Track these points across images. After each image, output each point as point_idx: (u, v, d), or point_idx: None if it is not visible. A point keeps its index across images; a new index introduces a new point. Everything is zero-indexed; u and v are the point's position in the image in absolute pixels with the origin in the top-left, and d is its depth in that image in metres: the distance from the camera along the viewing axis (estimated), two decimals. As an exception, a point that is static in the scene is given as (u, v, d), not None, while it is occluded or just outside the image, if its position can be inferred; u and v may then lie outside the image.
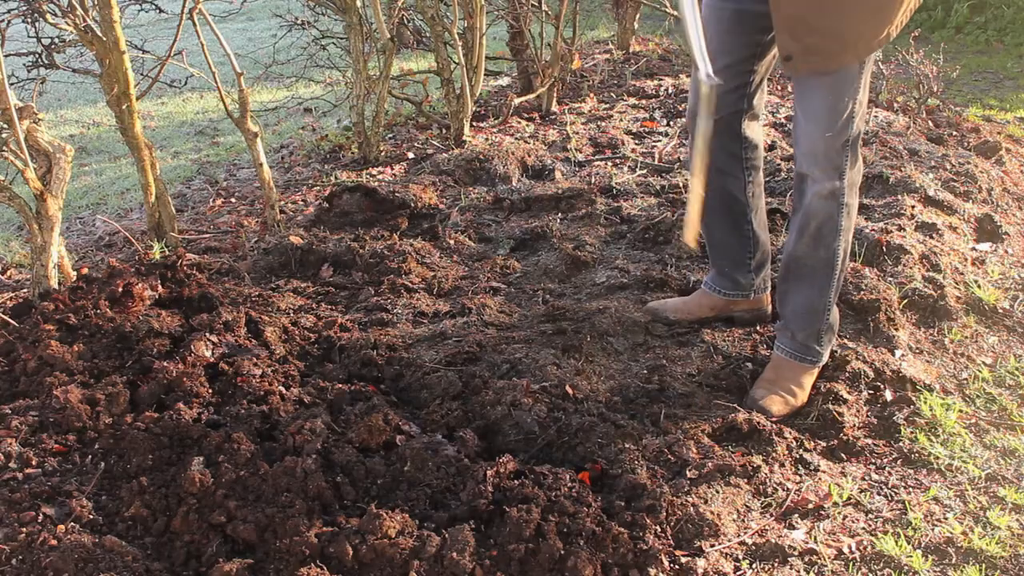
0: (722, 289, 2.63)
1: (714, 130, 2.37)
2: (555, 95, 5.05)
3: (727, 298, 2.63)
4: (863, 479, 2.10)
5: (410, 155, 4.45)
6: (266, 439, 2.09)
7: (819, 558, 1.86)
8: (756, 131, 2.43)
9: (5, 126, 2.60)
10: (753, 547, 1.90)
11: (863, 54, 2.07)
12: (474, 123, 4.80)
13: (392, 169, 4.28)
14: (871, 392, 2.37)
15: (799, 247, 2.27)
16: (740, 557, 1.87)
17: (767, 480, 2.06)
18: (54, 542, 1.73)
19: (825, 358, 2.38)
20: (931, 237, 3.13)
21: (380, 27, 4.10)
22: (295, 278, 3.15)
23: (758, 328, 2.66)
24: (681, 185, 3.73)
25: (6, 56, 2.73)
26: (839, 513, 1.99)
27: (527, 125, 4.81)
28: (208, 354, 2.40)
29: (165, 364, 2.30)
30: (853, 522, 1.97)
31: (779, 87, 5.09)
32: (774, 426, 2.21)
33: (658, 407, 2.30)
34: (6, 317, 2.58)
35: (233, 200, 4.26)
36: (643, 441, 2.14)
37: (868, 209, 3.33)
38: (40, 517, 1.82)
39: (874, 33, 2.04)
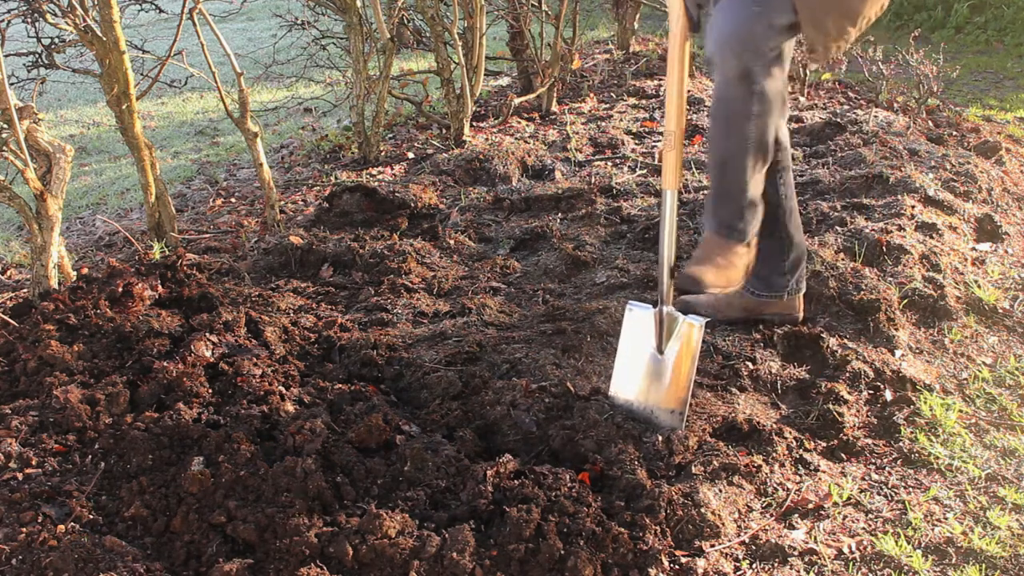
0: (755, 290, 2.61)
1: None
2: (555, 95, 5.05)
3: (760, 299, 2.61)
4: (863, 479, 2.10)
5: (410, 155, 4.45)
6: (266, 439, 2.09)
7: (819, 558, 1.86)
8: (784, 132, 2.41)
9: (5, 126, 2.60)
10: (753, 547, 1.90)
11: (866, 28, 2.09)
12: (474, 123, 4.80)
13: (392, 169, 4.28)
14: (871, 392, 2.37)
15: (711, 131, 2.28)
16: (740, 557, 1.87)
17: (767, 480, 2.06)
18: (54, 542, 1.73)
19: (750, 234, 2.32)
20: (931, 237, 3.13)
21: (380, 27, 4.10)
22: (295, 278, 3.15)
23: (760, 328, 2.66)
24: (681, 185, 3.73)
25: (6, 56, 2.73)
26: (839, 513, 1.99)
27: (527, 125, 4.81)
28: (208, 354, 2.40)
29: (165, 364, 2.30)
30: (853, 522, 1.97)
31: (779, 87, 5.09)
32: (774, 426, 2.21)
33: (658, 407, 2.30)
34: (6, 317, 2.57)
35: (233, 200, 4.26)
36: (643, 441, 2.14)
37: (868, 209, 3.33)
38: (40, 517, 1.82)
39: (879, 4, 2.07)
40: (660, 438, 2.14)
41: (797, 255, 2.55)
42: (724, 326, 2.67)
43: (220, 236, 3.67)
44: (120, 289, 2.65)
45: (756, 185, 2.29)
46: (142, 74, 3.38)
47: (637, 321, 2.26)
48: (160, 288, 2.75)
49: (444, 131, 4.65)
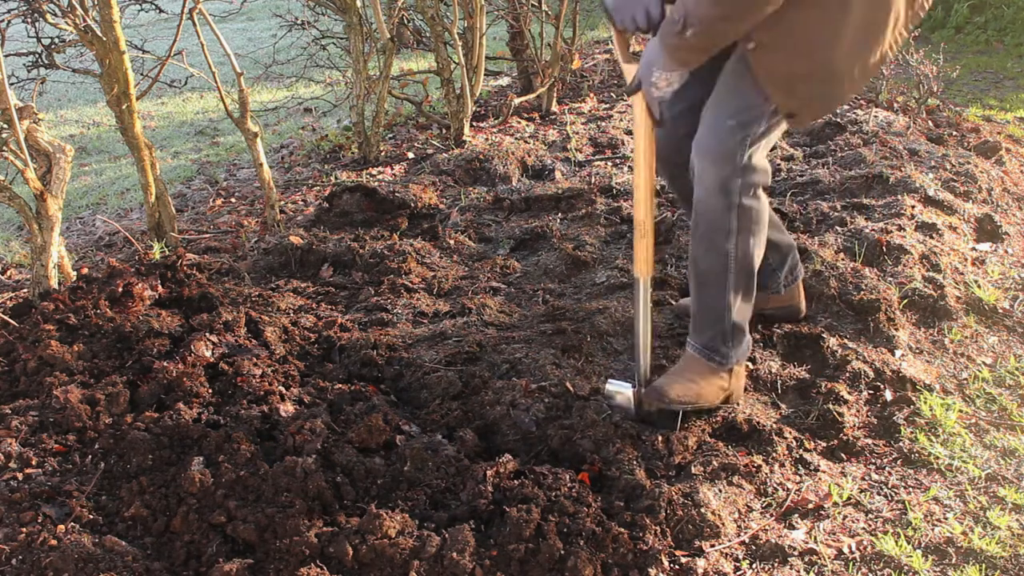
0: None
1: None
2: (555, 95, 5.05)
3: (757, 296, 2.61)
4: (863, 479, 2.10)
5: (410, 155, 4.45)
6: (266, 439, 2.09)
7: (819, 558, 1.86)
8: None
9: (5, 126, 2.60)
10: (753, 547, 1.90)
11: (864, 81, 2.01)
12: (474, 123, 4.80)
13: (392, 169, 4.28)
14: (871, 392, 2.37)
15: (692, 248, 2.20)
16: (740, 557, 1.87)
17: (767, 480, 2.06)
18: (54, 542, 1.73)
19: (732, 361, 2.23)
20: (931, 237, 3.13)
21: (380, 27, 4.10)
22: (295, 278, 3.15)
23: (759, 328, 2.65)
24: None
25: (6, 56, 2.73)
26: (839, 513, 1.99)
27: (527, 125, 4.81)
28: (208, 354, 2.40)
29: (165, 364, 2.30)
30: (853, 522, 1.97)
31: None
32: (774, 426, 2.21)
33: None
34: (6, 317, 2.57)
35: (233, 200, 4.26)
36: (641, 440, 2.14)
37: (868, 209, 3.33)
38: (40, 517, 1.83)
39: (868, 58, 1.97)
40: (660, 438, 2.13)
41: (780, 254, 2.53)
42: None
43: (220, 236, 3.67)
44: (120, 289, 2.65)
45: (741, 311, 2.20)
46: (142, 74, 3.38)
47: (615, 399, 2.24)
48: (160, 288, 2.75)
49: (444, 131, 4.65)
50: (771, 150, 4.02)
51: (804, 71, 1.96)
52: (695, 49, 1.90)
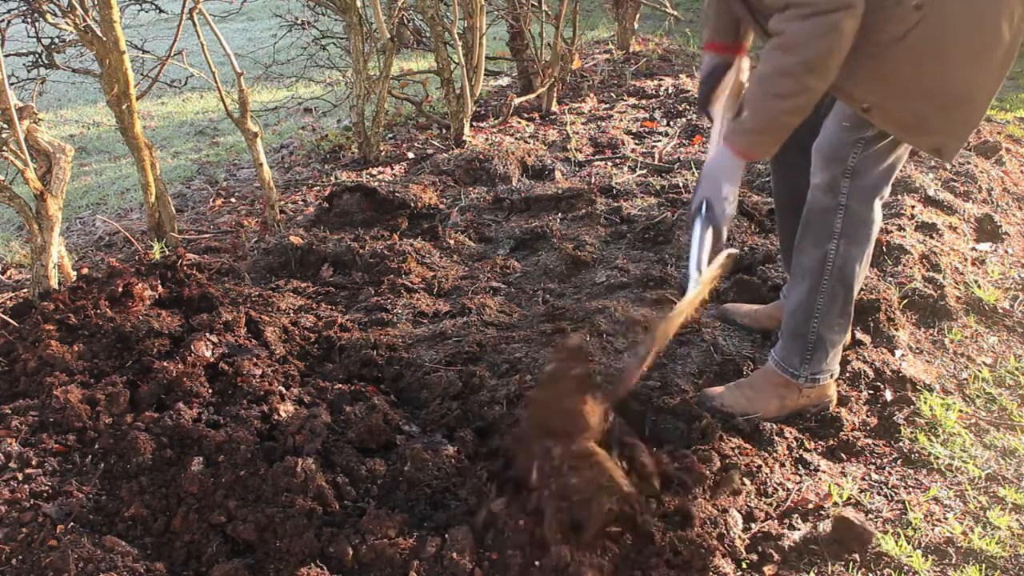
0: None
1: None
2: (555, 95, 5.05)
3: None
4: (863, 479, 2.10)
5: (410, 155, 4.45)
6: (266, 439, 2.09)
7: (819, 558, 1.86)
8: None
9: (5, 126, 2.60)
10: (753, 547, 1.89)
11: (1000, 80, 1.91)
12: (474, 123, 4.80)
13: (392, 169, 4.28)
14: (871, 392, 2.37)
15: (796, 248, 2.19)
16: (740, 557, 1.87)
17: (767, 480, 2.06)
18: (54, 542, 1.74)
19: (803, 377, 2.20)
20: (931, 237, 3.13)
21: (380, 27, 4.10)
22: (295, 278, 3.15)
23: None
24: (681, 185, 3.73)
25: (6, 56, 2.73)
26: (839, 513, 1.98)
27: (527, 125, 4.81)
28: (208, 354, 2.40)
29: (165, 364, 2.30)
30: (853, 522, 1.96)
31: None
32: (774, 426, 2.21)
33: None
34: (6, 317, 2.57)
35: (233, 200, 4.26)
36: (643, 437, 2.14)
37: (868, 209, 3.33)
38: (40, 517, 1.82)
39: (992, 61, 1.86)
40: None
41: None
42: (725, 324, 2.67)
43: (220, 236, 3.67)
44: (120, 289, 2.65)
45: (829, 324, 2.13)
46: (142, 74, 3.38)
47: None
48: (160, 288, 2.75)
49: (444, 131, 4.65)
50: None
51: (931, 107, 1.89)
52: (760, 132, 1.91)
